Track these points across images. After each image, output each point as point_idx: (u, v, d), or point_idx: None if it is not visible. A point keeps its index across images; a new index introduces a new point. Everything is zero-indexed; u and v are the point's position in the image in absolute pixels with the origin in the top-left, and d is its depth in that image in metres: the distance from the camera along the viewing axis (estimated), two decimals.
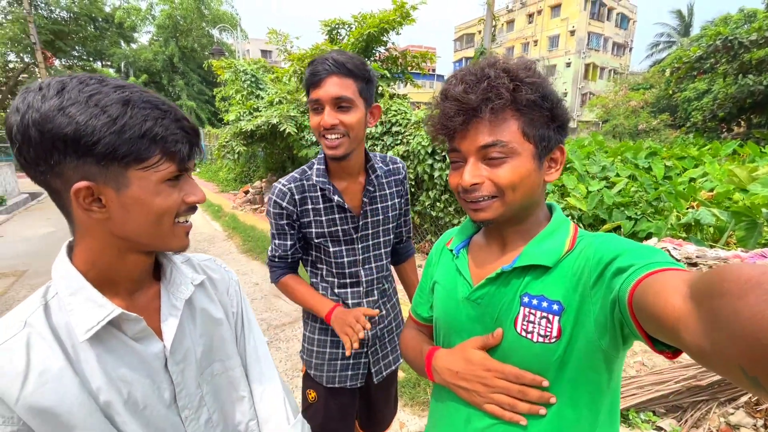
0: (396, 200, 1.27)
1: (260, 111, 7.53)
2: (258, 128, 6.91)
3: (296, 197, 1.14)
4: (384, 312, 1.30)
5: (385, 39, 7.47)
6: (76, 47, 23.13)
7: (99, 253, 0.59)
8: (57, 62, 22.19)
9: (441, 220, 4.59)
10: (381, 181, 1.22)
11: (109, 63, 24.52)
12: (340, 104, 1.04)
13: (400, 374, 2.59)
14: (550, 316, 0.64)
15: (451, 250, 0.83)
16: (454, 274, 0.80)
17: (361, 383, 1.28)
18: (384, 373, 1.31)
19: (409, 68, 7.92)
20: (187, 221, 0.64)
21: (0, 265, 5.21)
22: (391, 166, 1.27)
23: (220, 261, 0.84)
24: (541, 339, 0.64)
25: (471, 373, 0.69)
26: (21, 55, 20.32)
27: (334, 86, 1.03)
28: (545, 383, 0.64)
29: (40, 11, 20.25)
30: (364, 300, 1.24)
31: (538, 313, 0.65)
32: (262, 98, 8.31)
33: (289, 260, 1.22)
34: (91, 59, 23.90)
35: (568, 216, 4.00)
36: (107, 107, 0.51)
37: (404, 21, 7.24)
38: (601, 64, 34.24)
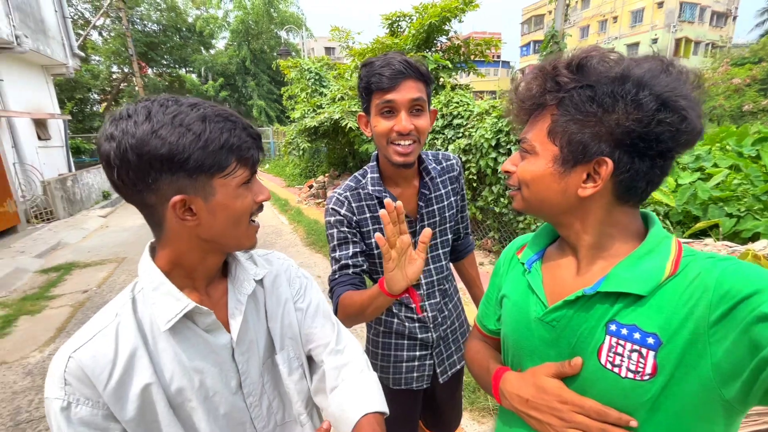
0: (452, 198, 1.23)
1: (323, 108, 7.76)
2: (321, 125, 7.14)
3: (353, 205, 1.13)
4: (446, 312, 1.28)
5: (446, 28, 7.25)
6: (165, 56, 25.74)
7: (185, 254, 0.66)
8: (149, 71, 24.98)
9: (505, 216, 4.38)
10: (435, 182, 1.19)
11: (191, 69, 26.96)
12: (416, 107, 1.02)
13: None
14: (644, 350, 0.55)
15: (523, 264, 0.76)
16: (525, 290, 0.73)
17: (426, 384, 1.27)
18: (449, 373, 1.29)
19: (472, 57, 7.62)
20: (255, 221, 0.70)
21: (105, 253, 6.01)
22: (444, 164, 1.23)
23: (278, 253, 0.88)
24: (630, 375, 0.56)
25: (544, 404, 0.63)
26: (121, 66, 23.09)
27: (411, 89, 1.00)
28: (633, 423, 0.56)
29: (135, 26, 22.82)
30: (426, 303, 1.22)
31: (628, 345, 0.57)
32: (325, 95, 8.55)
33: (351, 271, 1.11)
34: (176, 66, 26.48)
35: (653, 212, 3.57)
36: (191, 125, 0.57)
37: (467, 7, 6.95)
38: (695, 37, 30.14)
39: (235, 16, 25.14)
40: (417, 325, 1.22)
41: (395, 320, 1.23)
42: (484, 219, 4.81)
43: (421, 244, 0.88)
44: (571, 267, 0.68)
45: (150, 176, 0.56)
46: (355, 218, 1.12)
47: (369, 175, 1.14)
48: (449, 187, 1.22)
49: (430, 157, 1.23)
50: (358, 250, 1.12)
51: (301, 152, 8.31)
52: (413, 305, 1.20)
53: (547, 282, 0.71)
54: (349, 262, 1.10)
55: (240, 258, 0.77)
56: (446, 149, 4.88)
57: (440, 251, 1.24)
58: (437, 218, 1.20)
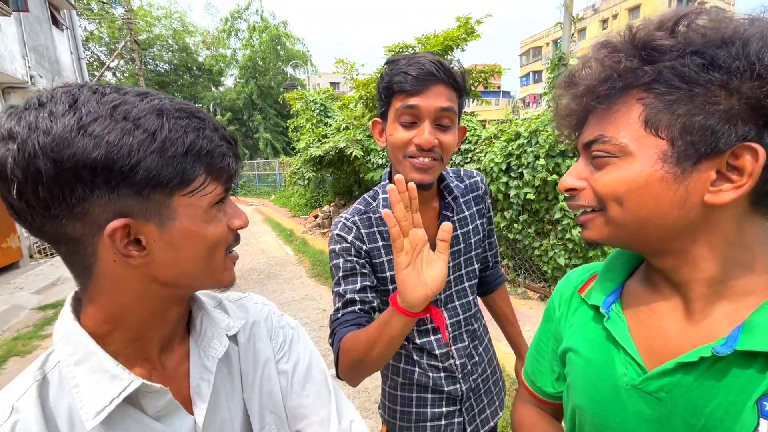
0: (478, 221, 1.05)
1: (328, 138, 7.77)
2: (326, 154, 7.11)
3: (363, 231, 0.94)
4: (477, 358, 1.08)
5: (449, 58, 7.34)
6: (175, 94, 26.56)
7: (129, 308, 0.47)
8: None
9: (519, 243, 4.17)
10: (459, 202, 1.01)
11: (201, 105, 27.78)
12: (443, 120, 0.84)
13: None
14: None
15: (597, 307, 0.57)
16: (604, 343, 0.54)
17: None
18: (482, 430, 1.09)
19: (475, 84, 7.66)
20: (233, 251, 0.53)
21: None
22: (467, 182, 1.06)
23: (255, 296, 0.68)
24: None
25: None
26: None
27: (440, 97, 0.82)
28: None
29: (148, 66, 23.74)
30: (453, 347, 1.02)
31: None
32: (330, 125, 8.61)
33: (358, 308, 0.88)
34: None
35: None
36: (140, 120, 0.41)
37: (469, 37, 7.05)
38: None
39: (243, 54, 26.10)
40: (443, 375, 1.02)
41: (417, 369, 1.02)
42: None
43: (441, 242, 0.69)
44: (675, 311, 0.50)
45: (74, 194, 0.39)
46: (365, 247, 0.94)
47: (381, 196, 0.97)
48: (474, 209, 1.05)
49: (452, 175, 1.05)
50: (367, 283, 0.91)
51: (306, 182, 8.26)
52: (437, 352, 0.99)
53: (637, 332, 0.52)
54: (356, 297, 0.89)
55: (207, 306, 0.58)
56: None
57: (466, 284, 1.04)
58: (462, 245, 1.01)
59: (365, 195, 1.01)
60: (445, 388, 1.02)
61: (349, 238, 0.93)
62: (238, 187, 20.49)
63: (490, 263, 1.20)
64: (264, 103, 25.88)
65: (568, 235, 3.55)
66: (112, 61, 18.70)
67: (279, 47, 25.82)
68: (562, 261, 3.61)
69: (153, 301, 0.48)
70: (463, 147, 4.77)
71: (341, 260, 0.92)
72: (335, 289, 0.92)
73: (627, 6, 31.48)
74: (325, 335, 3.58)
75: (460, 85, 0.85)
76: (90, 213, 0.40)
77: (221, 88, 28.51)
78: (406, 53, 7.67)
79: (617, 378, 0.52)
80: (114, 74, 23.53)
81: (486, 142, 4.50)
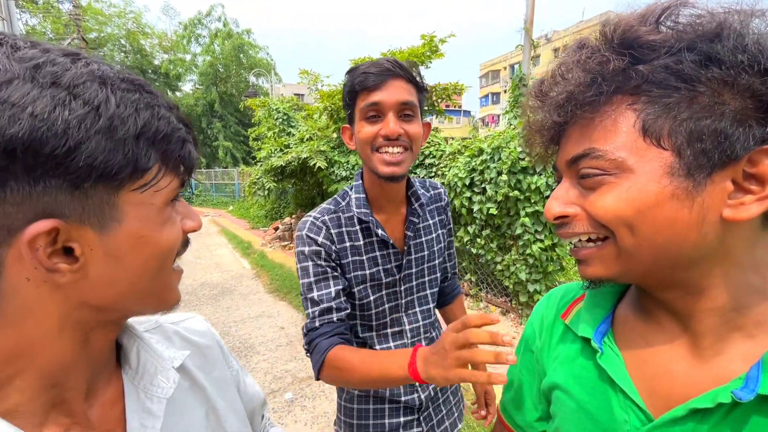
0: (440, 231, 1.08)
1: (291, 147, 7.59)
2: (288, 164, 6.92)
3: (332, 231, 0.92)
4: None
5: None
6: None
7: (43, 344, 0.35)
8: None
9: (482, 258, 4.19)
10: (425, 209, 1.04)
11: None
12: (405, 111, 0.88)
13: None
14: None
15: (587, 340, 0.50)
16: (598, 383, 0.47)
17: None
18: None
19: (438, 101, 7.82)
20: (177, 265, 0.44)
21: None
22: (431, 192, 1.09)
23: (200, 317, 0.58)
24: None
25: None
26: None
27: (400, 90, 0.86)
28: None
29: None
30: None
31: None
32: (293, 135, 8.43)
33: (336, 318, 0.87)
34: None
35: None
36: (77, 88, 0.31)
37: (433, 55, 7.22)
38: None
39: (203, 60, 25.28)
40: (401, 385, 0.98)
41: None
42: (460, 260, 4.61)
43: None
44: (679, 346, 0.43)
45: None
46: (334, 248, 0.91)
47: (353, 196, 0.96)
48: (437, 218, 1.08)
49: (418, 183, 1.06)
50: (340, 287, 0.91)
51: (266, 192, 7.98)
52: (393, 340, 1.02)
53: (635, 371, 0.45)
54: (333, 304, 0.88)
55: (140, 333, 0.46)
56: None
57: (428, 291, 1.04)
58: (425, 252, 1.01)
59: (335, 196, 1.00)
60: (403, 398, 1.00)
61: (319, 239, 0.91)
62: (193, 195, 19.52)
63: (449, 274, 1.21)
64: (224, 110, 25.12)
65: (528, 251, 3.61)
66: None
67: (242, 55, 25.28)
68: (523, 276, 3.66)
69: (78, 333, 0.37)
70: (428, 162, 4.79)
71: (311, 263, 0.90)
72: (308, 295, 0.90)
73: (576, 39, 34.03)
74: (282, 355, 3.37)
75: (416, 80, 0.89)
76: (1, 212, 0.29)
77: (179, 93, 27.31)
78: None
79: (617, 425, 0.45)
80: None
81: (450, 157, 4.54)
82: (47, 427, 0.36)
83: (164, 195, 0.38)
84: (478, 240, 4.12)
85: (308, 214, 0.95)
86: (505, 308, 4.11)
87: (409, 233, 0.98)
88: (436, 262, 1.05)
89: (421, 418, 1.03)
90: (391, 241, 0.95)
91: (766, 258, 0.41)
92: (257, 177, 7.88)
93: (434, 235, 1.05)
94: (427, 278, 1.04)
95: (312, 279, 0.89)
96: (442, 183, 4.38)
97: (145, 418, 0.42)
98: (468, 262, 4.48)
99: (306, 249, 0.90)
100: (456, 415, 1.12)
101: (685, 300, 0.42)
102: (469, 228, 4.21)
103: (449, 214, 1.13)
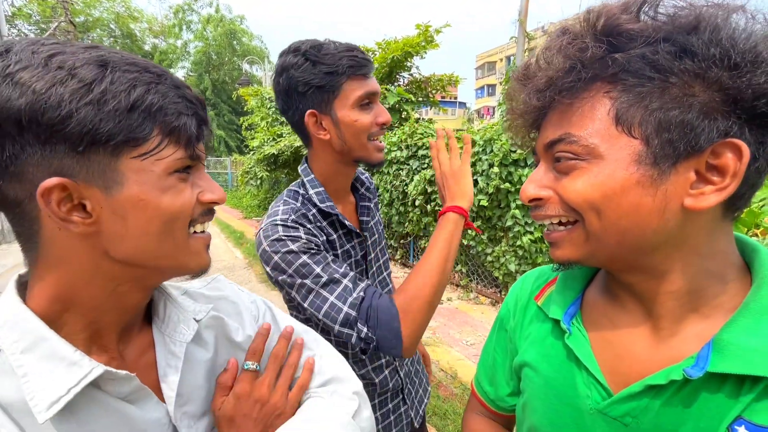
0: (377, 213, 1.09)
1: (284, 137, 7.53)
2: (281, 153, 6.89)
3: (309, 226, 0.86)
4: None
5: (408, 64, 7.40)
6: None
7: (81, 287, 0.42)
8: None
9: (473, 249, 4.24)
10: (372, 190, 1.06)
11: None
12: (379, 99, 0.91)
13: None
14: None
15: (557, 321, 0.52)
16: (565, 361, 0.50)
17: None
18: (421, 412, 1.12)
19: (433, 92, 7.80)
20: (204, 231, 0.49)
21: None
22: (364, 176, 1.10)
23: (223, 278, 0.65)
24: None
25: None
26: None
27: (374, 78, 0.88)
28: None
29: None
30: None
31: None
32: (286, 124, 8.38)
33: (367, 283, 0.80)
34: None
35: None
36: (76, 69, 0.37)
37: (428, 45, 7.17)
38: None
39: (195, 47, 24.84)
40: (387, 371, 1.00)
41: (361, 382, 0.97)
42: None
43: (466, 154, 0.90)
44: (640, 327, 0.46)
45: (4, 150, 0.37)
46: (319, 240, 0.84)
47: (311, 192, 0.88)
48: (374, 201, 1.08)
49: None
50: (346, 266, 0.84)
51: (259, 182, 7.94)
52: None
53: (600, 350, 0.48)
54: (351, 274, 0.80)
55: (170, 291, 0.54)
56: (411, 180, 4.76)
57: (385, 273, 1.07)
58: (376, 235, 1.03)
59: (284, 197, 0.91)
60: (390, 385, 1.00)
61: (302, 235, 0.81)
62: None
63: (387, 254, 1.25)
64: (218, 98, 24.76)
65: (519, 242, 3.66)
66: None
67: (235, 42, 24.85)
68: (512, 267, 3.71)
69: (108, 282, 0.43)
70: (421, 153, 4.79)
71: (306, 256, 0.78)
72: (324, 282, 0.76)
73: (561, 23, 33.89)
74: None
75: None
76: (25, 173, 0.37)
77: None
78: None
79: (580, 401, 0.47)
80: None
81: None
82: (94, 356, 0.43)
83: (165, 164, 0.42)
84: (469, 231, 4.16)
85: (270, 221, 0.82)
86: (495, 299, 4.17)
87: (365, 218, 0.98)
88: (383, 244, 1.07)
89: (404, 395, 1.06)
90: (356, 230, 0.94)
91: (723, 246, 0.43)
92: (250, 166, 7.83)
93: (378, 217, 1.06)
94: (382, 260, 1.05)
95: (319, 269, 0.77)
96: (434, 174, 4.38)
97: (169, 358, 0.50)
98: (459, 253, 4.53)
99: (293, 246, 0.78)
100: (425, 381, 1.18)
101: (647, 283, 0.45)
102: None
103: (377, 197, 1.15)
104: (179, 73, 27.03)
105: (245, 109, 10.72)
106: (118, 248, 0.42)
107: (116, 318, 0.46)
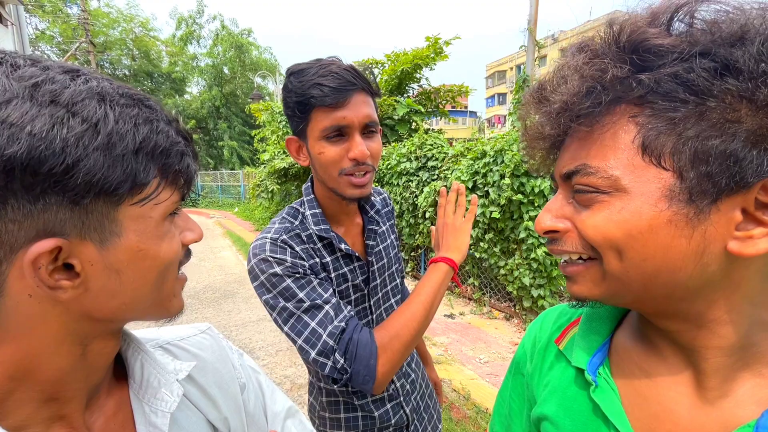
0: (392, 236, 1.05)
1: None
2: (291, 166, 6.92)
3: (297, 249, 0.83)
4: (413, 376, 1.03)
5: (418, 76, 7.43)
6: None
7: (43, 357, 0.35)
8: None
9: (485, 262, 4.13)
10: (381, 214, 1.01)
11: None
12: (369, 129, 0.81)
13: None
14: None
15: (581, 370, 0.45)
16: (591, 417, 0.43)
17: None
18: None
19: (443, 103, 7.78)
20: (182, 272, 0.45)
21: None
22: (378, 198, 1.05)
23: (204, 326, 0.57)
24: None
25: None
26: None
27: (364, 106, 0.79)
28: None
29: (105, 69, 22.60)
30: None
31: None
32: None
33: (351, 312, 0.79)
34: None
35: None
36: (76, 106, 0.32)
37: (438, 57, 7.19)
38: None
39: (205, 63, 25.57)
40: (389, 406, 0.93)
41: (360, 414, 0.92)
42: (462, 264, 4.54)
43: (471, 214, 0.92)
44: (682, 382, 0.39)
45: None
46: (307, 264, 0.81)
47: (307, 213, 0.88)
48: (388, 224, 1.04)
49: None
50: (331, 291, 0.80)
51: (269, 195, 7.99)
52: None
53: (632, 407, 0.41)
54: (333, 300, 0.78)
55: (145, 347, 0.46)
56: (421, 192, 4.70)
57: (392, 300, 1.00)
58: (385, 260, 0.97)
59: (283, 214, 0.90)
60: (393, 420, 0.94)
61: (288, 258, 0.80)
62: (200, 197, 19.64)
63: (399, 279, 1.18)
64: (229, 111, 25.29)
65: (533, 255, 3.55)
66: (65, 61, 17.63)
67: (244, 56, 25.42)
68: (526, 281, 3.60)
69: (77, 346, 0.37)
70: (431, 164, 4.74)
71: (290, 280, 0.77)
72: (306, 308, 0.75)
73: (579, 39, 33.78)
74: (281, 361, 3.34)
75: (374, 89, 0.83)
76: (4, 231, 0.30)
77: (187, 96, 27.58)
78: (375, 68, 7.75)
79: None
80: None
81: (453, 159, 4.49)
82: None
83: (163, 208, 0.38)
84: (481, 244, 4.06)
85: (261, 238, 0.83)
86: (508, 313, 4.05)
87: (371, 242, 0.93)
88: (394, 268, 1.01)
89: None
90: (356, 254, 0.90)
91: None
92: (261, 179, 7.90)
93: (389, 241, 1.01)
94: (390, 287, 1.00)
95: (302, 294, 0.76)
96: (445, 185, 4.32)
97: (151, 431, 0.42)
98: (471, 266, 4.42)
99: (278, 269, 0.77)
100: (435, 417, 1.11)
101: (691, 333, 0.38)
102: (471, 232, 4.15)
103: (395, 219, 1.10)
104: (194, 88, 27.76)
105: (257, 123, 10.89)
106: (105, 307, 0.36)
107: (82, 385, 0.40)
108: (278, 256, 0.79)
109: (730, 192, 0.32)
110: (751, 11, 0.31)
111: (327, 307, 0.76)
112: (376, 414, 0.92)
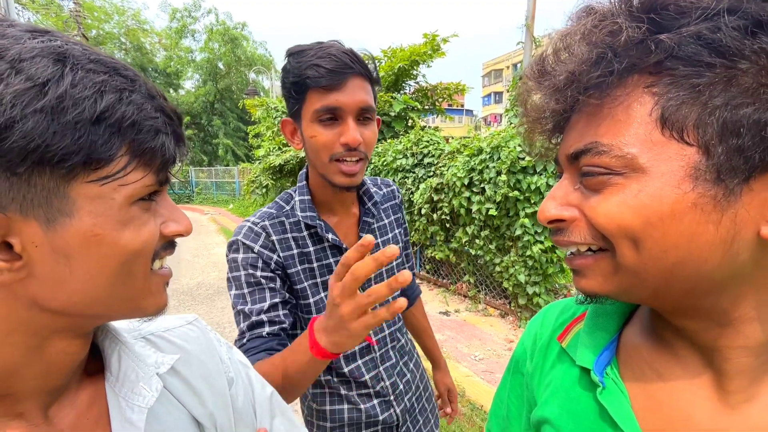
0: (397, 230, 1.01)
1: (289, 146, 7.54)
2: (287, 162, 6.88)
3: (274, 238, 0.82)
4: (408, 376, 1.00)
5: (415, 72, 7.38)
6: None
7: None
8: None
9: (480, 259, 4.12)
10: (379, 208, 0.97)
11: None
12: (364, 115, 0.79)
13: None
14: None
15: (587, 370, 0.43)
16: (597, 421, 0.40)
17: None
18: None
19: (440, 100, 7.75)
20: (162, 266, 0.40)
21: None
22: (385, 190, 1.03)
23: (190, 316, 0.53)
24: None
25: None
26: None
27: (360, 91, 0.77)
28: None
29: None
30: (381, 367, 0.94)
31: None
32: None
33: (267, 332, 0.76)
34: None
35: None
36: (23, 63, 0.28)
37: (435, 54, 7.15)
38: None
39: (200, 57, 25.29)
40: (376, 401, 0.91)
41: (345, 406, 0.90)
42: (458, 261, 4.54)
43: (386, 312, 0.56)
44: (700, 384, 0.36)
45: None
46: (275, 257, 0.81)
47: (297, 198, 0.86)
48: (392, 217, 1.01)
49: (369, 181, 0.99)
50: (277, 300, 0.79)
51: (264, 191, 7.94)
52: (366, 377, 0.92)
53: (643, 411, 0.38)
54: (264, 317, 0.77)
55: (124, 338, 0.43)
56: (417, 188, 4.68)
57: (389, 297, 0.95)
58: None
59: (277, 199, 0.90)
60: (380, 417, 0.92)
61: (256, 247, 0.81)
62: (194, 193, 19.47)
63: None
64: (224, 107, 25.05)
65: (528, 252, 3.54)
66: None
67: (238, 50, 25.19)
68: (522, 278, 3.59)
69: (30, 337, 0.33)
70: (427, 161, 4.71)
71: (243, 273, 0.80)
72: (238, 308, 0.79)
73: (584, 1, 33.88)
74: None
75: (373, 75, 0.81)
76: None
77: (181, 92, 27.27)
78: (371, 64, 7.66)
79: None
80: None
81: (449, 156, 4.47)
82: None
83: (130, 190, 0.33)
84: (477, 241, 4.05)
85: (246, 219, 0.85)
86: (504, 311, 4.04)
87: (364, 235, 0.90)
88: (394, 264, 0.97)
89: None
90: (345, 246, 0.87)
91: None
92: (256, 175, 7.84)
93: (390, 235, 0.98)
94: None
95: (245, 290, 0.78)
96: (441, 183, 4.30)
97: (126, 428, 0.39)
98: (467, 263, 4.41)
99: (239, 257, 0.79)
100: (432, 421, 1.08)
101: (712, 332, 0.35)
102: (467, 229, 4.14)
103: (403, 212, 1.08)
104: (188, 83, 27.47)
105: (252, 119, 10.80)
106: (55, 296, 0.32)
107: (39, 383, 0.36)
108: (248, 242, 0.80)
109: (765, 168, 0.28)
110: None
111: (248, 320, 0.77)
112: (362, 407, 0.91)
